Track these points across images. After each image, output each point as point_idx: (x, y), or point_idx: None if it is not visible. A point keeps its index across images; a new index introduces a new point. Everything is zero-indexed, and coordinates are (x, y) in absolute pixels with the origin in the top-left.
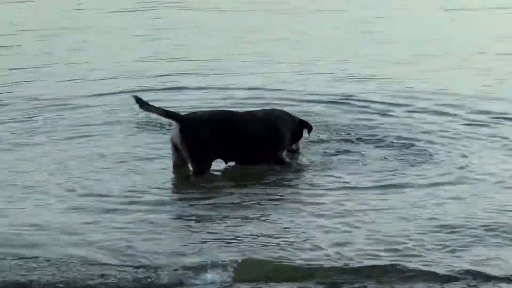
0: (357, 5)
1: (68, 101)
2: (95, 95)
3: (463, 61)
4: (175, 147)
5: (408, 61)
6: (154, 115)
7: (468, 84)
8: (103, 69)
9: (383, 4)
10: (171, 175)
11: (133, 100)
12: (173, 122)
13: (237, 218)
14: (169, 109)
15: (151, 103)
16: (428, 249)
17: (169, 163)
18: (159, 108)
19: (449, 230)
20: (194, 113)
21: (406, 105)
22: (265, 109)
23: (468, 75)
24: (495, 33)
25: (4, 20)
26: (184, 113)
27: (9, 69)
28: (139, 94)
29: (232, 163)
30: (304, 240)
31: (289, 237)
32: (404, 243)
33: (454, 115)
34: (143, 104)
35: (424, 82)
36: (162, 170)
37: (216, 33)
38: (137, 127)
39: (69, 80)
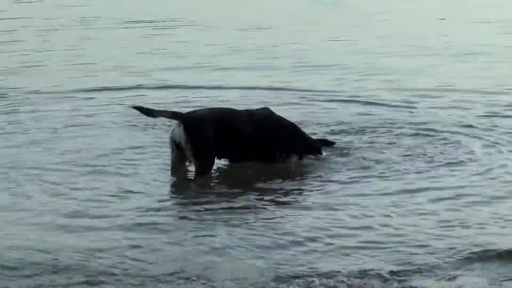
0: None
1: (64, 95)
2: (92, 91)
3: (467, 55)
4: (176, 146)
5: (410, 57)
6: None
7: (475, 78)
8: (99, 65)
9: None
10: (169, 175)
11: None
12: (175, 121)
13: (242, 222)
14: (173, 110)
15: (156, 109)
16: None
17: (162, 161)
18: (165, 111)
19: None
20: (195, 111)
21: (420, 99)
22: (267, 109)
23: (473, 69)
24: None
25: (4, 17)
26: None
27: (7, 63)
28: (133, 93)
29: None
30: (311, 245)
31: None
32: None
33: (466, 110)
34: (150, 113)
35: (431, 77)
36: (161, 169)
37: (215, 31)
38: (133, 125)
39: (66, 74)
